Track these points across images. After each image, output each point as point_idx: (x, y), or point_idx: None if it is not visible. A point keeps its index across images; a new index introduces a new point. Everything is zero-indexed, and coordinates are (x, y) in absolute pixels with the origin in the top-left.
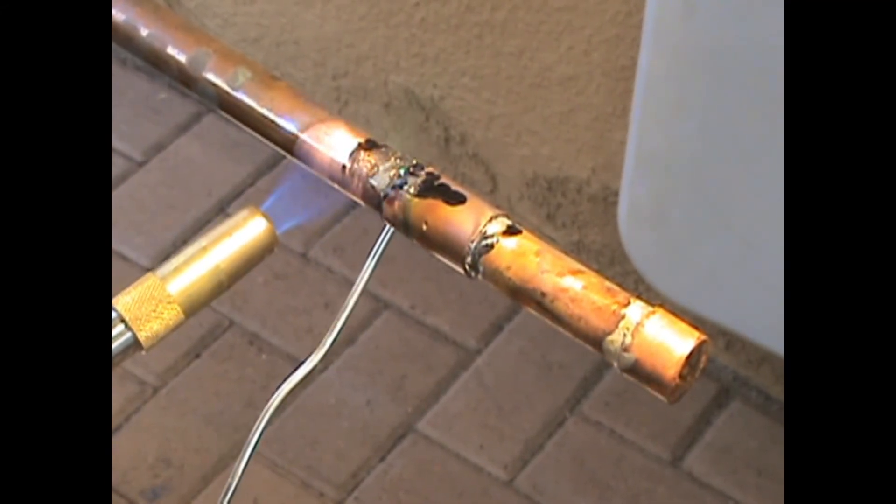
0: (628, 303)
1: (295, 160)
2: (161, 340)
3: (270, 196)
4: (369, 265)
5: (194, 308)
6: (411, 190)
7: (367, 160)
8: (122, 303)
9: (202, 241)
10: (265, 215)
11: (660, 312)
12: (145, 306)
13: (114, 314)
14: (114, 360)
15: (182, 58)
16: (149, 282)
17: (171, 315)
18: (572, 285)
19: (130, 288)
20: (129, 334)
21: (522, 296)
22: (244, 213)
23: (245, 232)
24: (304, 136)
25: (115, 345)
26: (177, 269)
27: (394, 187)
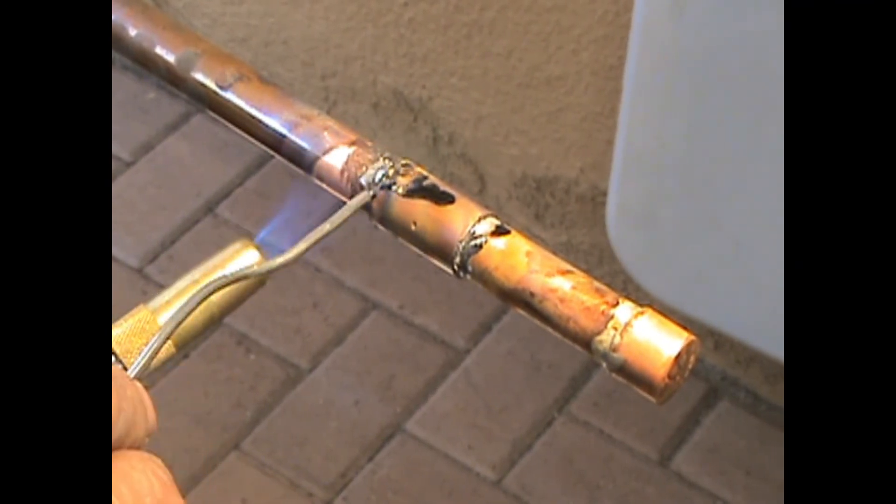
0: (617, 303)
1: (283, 160)
2: (152, 373)
3: (264, 228)
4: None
5: (185, 341)
6: (400, 190)
7: (355, 160)
8: (113, 335)
9: (194, 274)
10: (258, 247)
11: (648, 313)
12: (136, 339)
13: None
14: None
15: (170, 58)
16: (140, 314)
17: (163, 348)
18: (561, 286)
19: (121, 320)
20: (118, 367)
21: (511, 296)
22: (236, 245)
23: (237, 264)
24: (292, 136)
25: None
26: (168, 302)
27: (382, 187)
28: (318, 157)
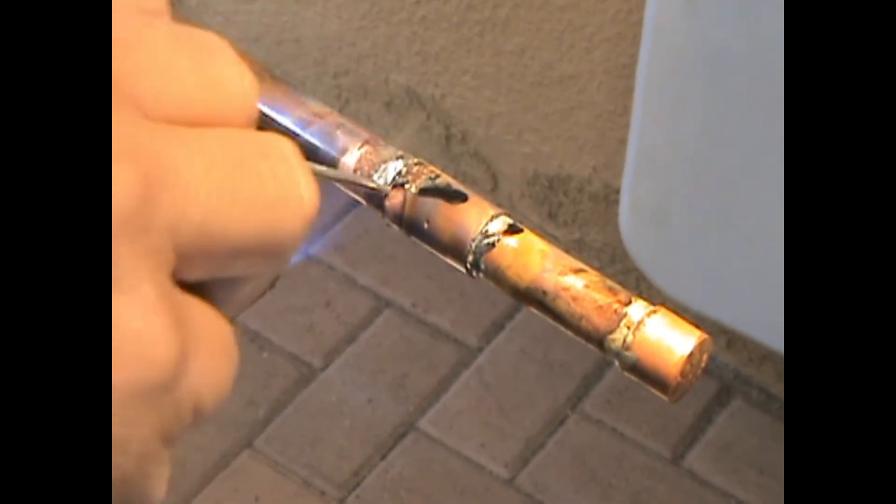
0: (630, 301)
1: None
2: None
3: None
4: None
5: None
6: (412, 188)
7: (368, 158)
8: None
9: None
10: None
11: (661, 311)
12: None
13: None
14: None
15: None
16: None
17: None
18: (574, 284)
19: None
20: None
21: (524, 294)
22: None
23: None
24: (304, 135)
25: None
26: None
27: (395, 186)
28: (330, 156)
